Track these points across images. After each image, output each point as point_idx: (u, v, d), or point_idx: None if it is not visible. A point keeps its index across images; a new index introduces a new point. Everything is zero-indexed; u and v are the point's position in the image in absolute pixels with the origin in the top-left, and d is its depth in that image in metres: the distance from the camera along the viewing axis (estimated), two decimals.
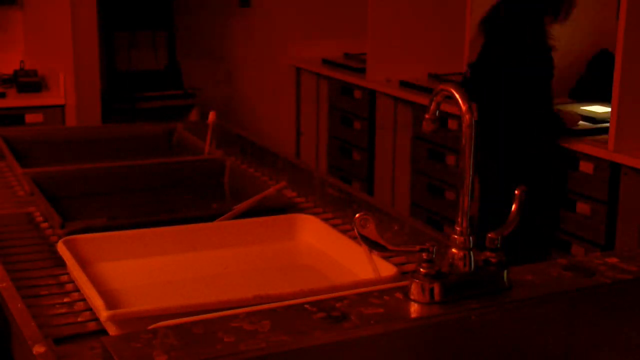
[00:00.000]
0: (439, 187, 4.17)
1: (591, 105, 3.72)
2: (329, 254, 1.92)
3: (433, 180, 4.21)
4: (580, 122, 3.52)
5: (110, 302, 1.59)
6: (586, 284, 1.34)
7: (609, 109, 3.36)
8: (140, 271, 1.82)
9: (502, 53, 3.33)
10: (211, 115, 2.62)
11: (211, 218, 2.02)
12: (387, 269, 1.67)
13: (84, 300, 1.63)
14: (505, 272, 1.30)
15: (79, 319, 1.57)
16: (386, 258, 1.72)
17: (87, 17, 4.20)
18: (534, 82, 3.34)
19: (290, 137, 5.37)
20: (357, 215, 1.28)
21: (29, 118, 4.11)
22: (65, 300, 1.66)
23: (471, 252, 1.28)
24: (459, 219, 1.28)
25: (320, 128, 5.18)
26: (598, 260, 1.42)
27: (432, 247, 1.25)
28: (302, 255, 1.94)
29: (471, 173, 1.28)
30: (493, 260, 1.30)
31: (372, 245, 1.29)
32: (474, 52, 3.53)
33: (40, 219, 2.12)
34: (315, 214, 2.15)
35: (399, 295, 1.27)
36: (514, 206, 1.33)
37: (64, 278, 1.77)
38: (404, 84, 4.42)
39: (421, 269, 1.25)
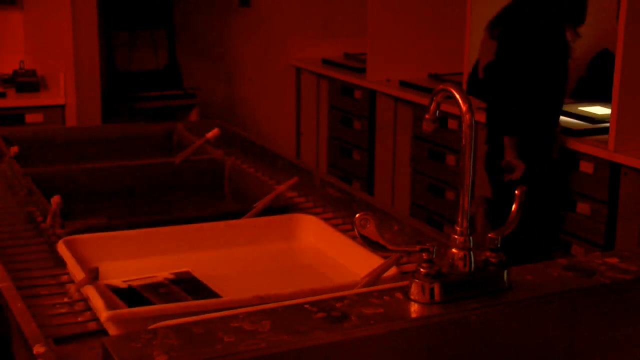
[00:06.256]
0: (439, 187, 4.17)
1: (591, 105, 3.72)
2: (329, 254, 1.92)
3: (433, 180, 4.21)
4: (581, 122, 3.52)
5: (110, 302, 1.59)
6: (586, 284, 1.34)
7: (609, 109, 3.36)
8: (140, 271, 1.82)
9: (520, 58, 3.27)
10: (213, 132, 2.58)
11: (211, 218, 2.02)
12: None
13: (84, 300, 1.64)
14: (505, 272, 1.30)
15: (79, 319, 1.57)
16: (386, 258, 1.72)
17: (87, 17, 4.20)
18: (549, 88, 3.31)
19: (290, 137, 5.37)
20: (357, 215, 1.28)
21: (29, 118, 4.10)
22: (66, 300, 1.66)
23: (471, 252, 1.28)
24: (459, 219, 1.28)
25: (320, 128, 5.18)
26: (598, 260, 1.42)
27: (432, 247, 1.25)
28: (302, 255, 1.94)
29: (471, 173, 1.28)
30: (493, 260, 1.30)
31: (372, 245, 1.28)
32: (486, 54, 3.44)
33: (40, 219, 2.12)
34: (315, 214, 2.15)
35: (399, 295, 1.27)
36: (514, 206, 1.34)
37: (64, 278, 1.77)
38: (404, 84, 4.42)
39: (421, 269, 1.25)
